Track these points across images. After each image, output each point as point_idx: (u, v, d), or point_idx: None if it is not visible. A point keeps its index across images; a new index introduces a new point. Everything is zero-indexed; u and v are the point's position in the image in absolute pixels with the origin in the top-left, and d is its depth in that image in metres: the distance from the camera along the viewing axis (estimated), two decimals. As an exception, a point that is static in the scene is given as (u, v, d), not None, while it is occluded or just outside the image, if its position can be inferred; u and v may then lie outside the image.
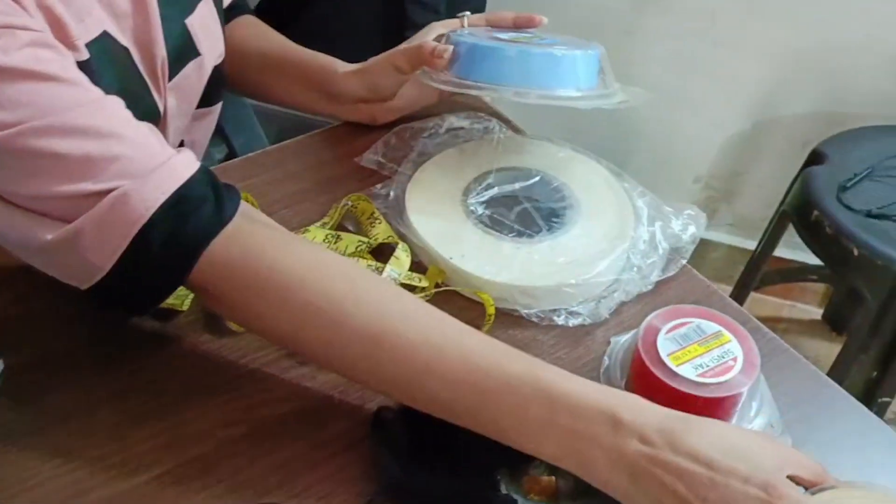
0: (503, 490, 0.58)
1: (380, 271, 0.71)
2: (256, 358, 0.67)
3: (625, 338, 0.67)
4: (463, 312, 0.71)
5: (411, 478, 0.59)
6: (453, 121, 0.86)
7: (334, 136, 0.87)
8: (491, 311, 0.70)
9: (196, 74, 0.77)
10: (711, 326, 0.63)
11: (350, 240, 0.74)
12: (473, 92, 0.74)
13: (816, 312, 1.94)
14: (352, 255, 0.73)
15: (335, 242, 0.74)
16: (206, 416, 0.63)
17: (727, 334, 0.62)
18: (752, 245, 1.71)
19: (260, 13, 0.99)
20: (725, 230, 1.94)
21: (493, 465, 0.59)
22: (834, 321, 1.89)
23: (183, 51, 0.74)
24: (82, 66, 0.60)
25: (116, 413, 0.62)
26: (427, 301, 0.71)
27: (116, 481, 0.58)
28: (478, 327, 0.69)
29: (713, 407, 0.59)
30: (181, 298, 0.68)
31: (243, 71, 0.91)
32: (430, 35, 0.83)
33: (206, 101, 0.81)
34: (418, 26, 1.53)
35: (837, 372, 1.43)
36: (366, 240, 0.74)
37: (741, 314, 0.72)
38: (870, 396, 1.41)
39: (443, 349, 0.56)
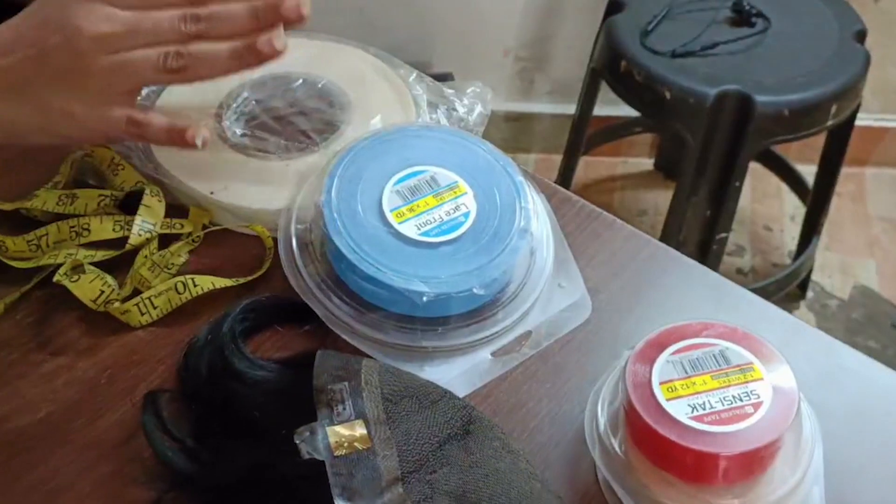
0: (306, 455, 0.49)
1: (130, 225, 0.60)
2: (-4, 361, 0.56)
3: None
4: (241, 251, 0.62)
5: (202, 467, 0.50)
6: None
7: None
8: (269, 243, 0.61)
9: None
10: (742, 356, 0.48)
11: (89, 196, 0.62)
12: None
13: (648, 163, 1.95)
14: (94, 211, 0.61)
15: (71, 203, 0.62)
16: (-60, 447, 0.52)
17: (758, 368, 0.48)
18: (573, 109, 1.67)
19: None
20: (546, 99, 1.89)
21: (289, 431, 0.50)
22: (666, 168, 1.90)
23: None
24: None
25: None
26: (196, 246, 0.62)
27: None
28: (260, 264, 0.61)
29: (702, 465, 0.46)
30: None
31: None
32: None
33: None
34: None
35: (674, 217, 1.43)
36: (108, 192, 0.63)
37: (549, 185, 0.66)
38: (708, 235, 1.42)
39: None
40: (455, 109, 0.69)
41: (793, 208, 1.85)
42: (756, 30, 1.34)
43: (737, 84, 1.27)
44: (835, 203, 1.64)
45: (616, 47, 1.34)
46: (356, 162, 0.59)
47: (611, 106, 1.67)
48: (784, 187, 1.80)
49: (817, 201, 1.59)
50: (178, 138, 0.56)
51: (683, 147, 1.36)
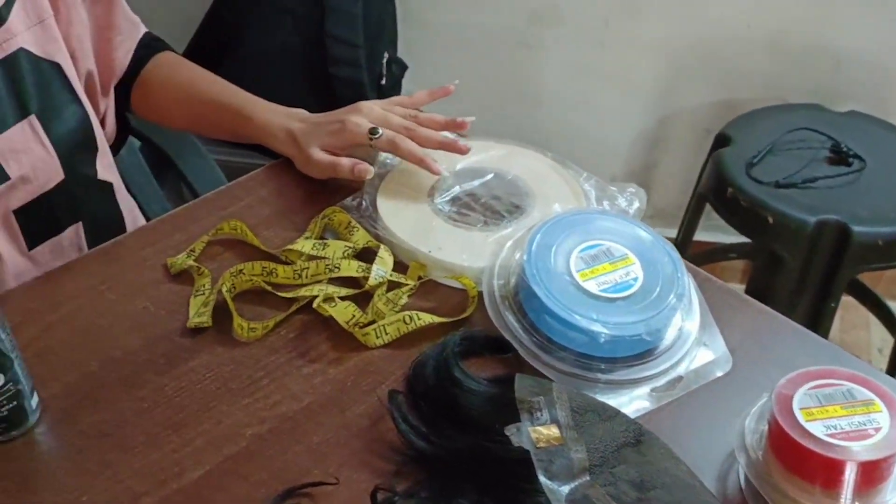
0: (515, 444, 0.64)
1: (368, 271, 0.77)
2: (269, 363, 0.72)
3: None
4: (448, 298, 0.78)
5: (433, 445, 0.65)
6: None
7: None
8: (473, 293, 0.77)
9: (6, 200, 0.84)
10: (863, 393, 0.61)
11: (337, 245, 0.80)
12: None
13: (740, 288, 2.08)
14: (340, 258, 0.79)
15: (323, 249, 0.80)
16: (232, 419, 0.68)
17: (879, 404, 0.61)
18: (672, 233, 1.83)
19: (187, 55, 1.05)
20: (647, 222, 2.05)
21: (499, 426, 0.65)
22: (757, 293, 2.02)
23: None
24: None
25: (148, 426, 0.67)
26: (412, 294, 0.78)
27: (164, 485, 0.63)
28: (463, 309, 0.77)
29: (833, 471, 0.58)
30: (205, 315, 0.74)
31: (168, 110, 0.99)
32: (353, 117, 0.87)
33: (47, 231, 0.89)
34: (340, 61, 1.62)
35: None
36: (350, 244, 0.81)
37: (692, 268, 0.81)
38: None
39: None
40: (617, 203, 0.86)
41: (880, 341, 1.94)
42: (853, 169, 1.49)
43: (835, 214, 1.41)
44: (924, 339, 1.73)
45: (723, 175, 1.51)
46: (548, 234, 0.76)
47: (706, 231, 1.82)
48: (872, 319, 1.90)
49: (905, 333, 1.69)
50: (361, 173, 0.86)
51: (776, 272, 1.49)
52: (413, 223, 0.83)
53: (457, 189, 0.87)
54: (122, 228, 0.97)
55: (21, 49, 0.84)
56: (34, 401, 0.66)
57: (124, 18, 0.97)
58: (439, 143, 0.87)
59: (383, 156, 0.90)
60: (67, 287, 0.79)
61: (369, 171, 0.85)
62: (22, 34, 0.84)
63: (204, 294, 0.77)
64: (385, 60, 1.72)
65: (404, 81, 1.81)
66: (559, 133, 1.94)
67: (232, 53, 1.61)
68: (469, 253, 0.80)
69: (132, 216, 1.00)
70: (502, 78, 1.90)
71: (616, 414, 0.67)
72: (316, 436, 0.67)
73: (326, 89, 1.62)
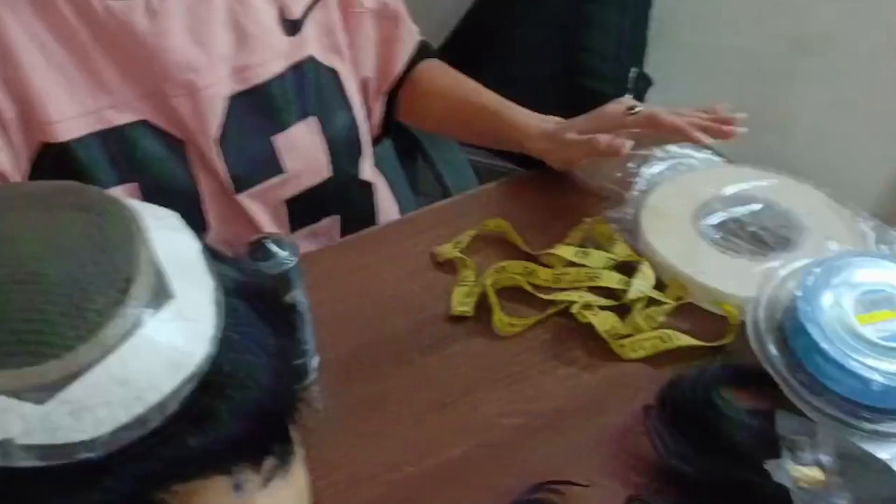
0: (775, 479, 0.62)
1: (627, 284, 0.78)
2: (525, 359, 0.75)
3: None
4: (705, 322, 0.77)
5: (688, 465, 0.65)
6: (673, 150, 0.92)
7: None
8: (735, 321, 0.76)
9: (280, 190, 0.90)
10: None
11: (598, 255, 0.82)
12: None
13: None
14: (602, 268, 0.80)
15: (584, 257, 0.81)
16: (489, 407, 0.71)
17: None
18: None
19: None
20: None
21: (756, 458, 0.64)
22: None
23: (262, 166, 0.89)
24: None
25: (413, 402, 0.71)
26: (669, 314, 0.78)
27: (423, 459, 0.67)
28: (719, 336, 0.75)
29: None
30: (468, 305, 0.78)
31: (431, 112, 1.02)
32: (610, 105, 0.88)
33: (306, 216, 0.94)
34: (593, 73, 1.62)
35: None
36: (612, 255, 0.82)
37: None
38: None
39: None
40: (896, 248, 0.81)
41: None
42: None
43: None
44: None
45: None
46: (826, 272, 0.73)
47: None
48: None
49: None
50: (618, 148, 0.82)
51: None
52: (676, 243, 0.83)
53: (723, 214, 0.85)
54: (374, 224, 1.02)
55: (310, 56, 0.91)
56: (316, 360, 0.72)
57: (407, 30, 1.03)
58: (710, 124, 0.83)
59: (649, 173, 0.90)
60: (342, 265, 0.86)
61: (626, 144, 0.81)
62: (312, 42, 0.92)
63: (467, 285, 0.80)
64: (633, 75, 1.71)
65: (648, 98, 1.79)
66: (807, 167, 1.84)
67: (483, 60, 1.66)
68: (733, 280, 0.78)
69: (387, 216, 1.06)
70: (752, 104, 1.83)
71: (886, 467, 0.63)
72: (568, 437, 0.68)
73: (573, 100, 1.63)
